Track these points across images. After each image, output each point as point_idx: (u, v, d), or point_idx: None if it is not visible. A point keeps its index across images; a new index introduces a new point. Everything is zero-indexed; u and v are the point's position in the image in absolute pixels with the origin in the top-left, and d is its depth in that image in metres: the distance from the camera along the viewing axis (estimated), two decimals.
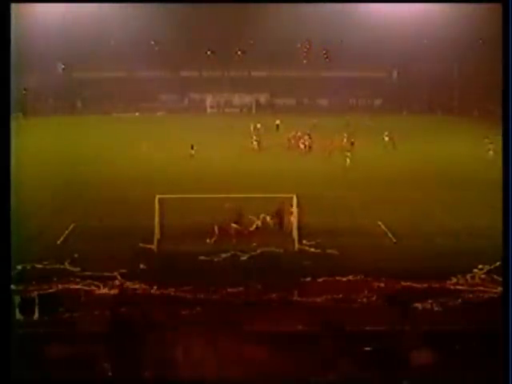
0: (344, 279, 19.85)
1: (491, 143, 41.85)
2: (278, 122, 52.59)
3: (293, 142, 45.48)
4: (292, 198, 23.64)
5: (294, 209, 23.53)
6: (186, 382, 13.71)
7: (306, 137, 44.98)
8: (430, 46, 70.84)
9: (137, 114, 72.15)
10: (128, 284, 19.52)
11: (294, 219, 23.97)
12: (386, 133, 44.79)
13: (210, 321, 15.87)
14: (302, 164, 39.59)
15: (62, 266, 20.96)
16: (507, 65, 12.78)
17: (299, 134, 46.38)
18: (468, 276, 20.06)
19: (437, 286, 19.18)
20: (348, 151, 39.40)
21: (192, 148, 41.75)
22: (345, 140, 44.44)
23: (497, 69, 15.91)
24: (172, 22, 71.14)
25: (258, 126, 52.05)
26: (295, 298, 18.56)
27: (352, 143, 43.49)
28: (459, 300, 18.33)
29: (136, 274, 20.31)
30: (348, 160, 38.27)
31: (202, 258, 21.84)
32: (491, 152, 39.88)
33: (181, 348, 14.82)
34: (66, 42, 69.82)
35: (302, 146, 43.82)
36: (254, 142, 45.89)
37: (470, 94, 70.82)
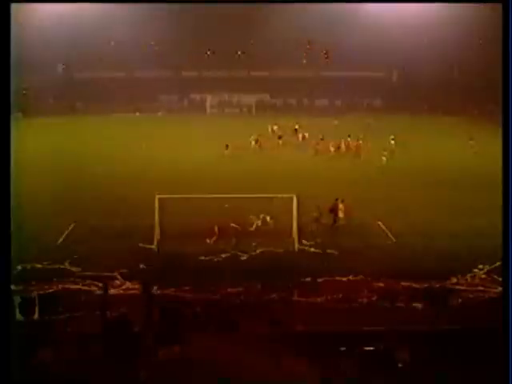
0: (344, 279, 19.88)
1: (472, 142, 43.46)
2: (296, 126, 50.95)
3: (320, 145, 44.48)
4: (292, 198, 23.63)
5: (295, 209, 23.53)
6: (185, 382, 13.73)
7: (339, 139, 44.14)
8: (429, 45, 70.79)
9: (137, 114, 72.12)
10: (128, 284, 19.55)
11: (342, 214, 25.27)
12: (392, 136, 44.27)
13: (209, 321, 15.91)
14: (339, 166, 39.35)
15: (61, 266, 20.99)
16: (507, 65, 12.78)
17: (317, 136, 45.90)
18: (468, 276, 20.10)
19: (437, 286, 19.20)
20: (384, 150, 39.20)
21: (227, 148, 41.84)
22: (360, 142, 43.99)
23: (497, 69, 15.91)
24: (172, 22, 71.10)
25: (275, 128, 51.56)
26: (295, 297, 18.59)
27: (358, 146, 43.24)
28: (459, 300, 18.35)
29: (136, 273, 20.34)
30: (384, 159, 38.17)
31: (201, 257, 21.87)
32: (476, 153, 41.15)
33: (181, 348, 14.84)
34: (66, 42, 69.72)
35: (332, 149, 42.93)
36: (279, 143, 46.23)
37: (469, 94, 70.76)
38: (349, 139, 44.66)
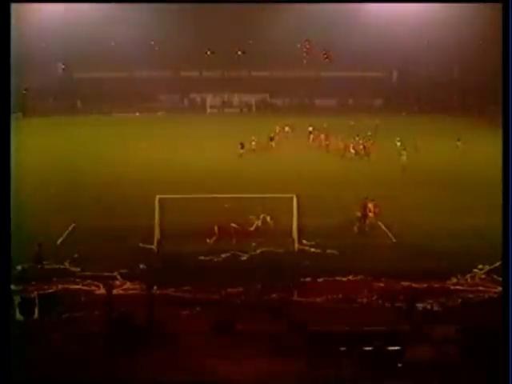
0: (344, 279, 19.88)
1: (459, 143, 43.21)
2: (310, 128, 49.22)
3: (342, 146, 43.63)
4: (292, 198, 23.62)
5: (295, 209, 23.51)
6: (185, 382, 13.73)
7: (361, 141, 43.68)
8: (429, 45, 70.77)
9: (137, 114, 72.11)
10: (128, 284, 19.56)
11: (371, 214, 25.00)
12: (398, 138, 43.85)
13: (209, 321, 15.91)
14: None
15: (61, 266, 20.99)
16: (507, 65, 12.80)
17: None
18: (468, 276, 20.09)
19: (437, 286, 19.21)
20: (404, 149, 39.13)
21: (242, 147, 42.09)
22: (371, 142, 43.81)
23: (497, 69, 15.91)
24: (172, 21, 71.04)
25: (286, 129, 50.50)
26: (295, 298, 18.59)
27: (364, 147, 42.82)
28: (459, 300, 18.36)
29: (136, 274, 20.34)
30: (404, 158, 38.13)
31: (201, 258, 21.86)
32: (462, 153, 40.94)
33: (181, 348, 14.85)
34: (66, 41, 69.68)
35: (352, 151, 42.27)
36: (272, 145, 45.44)
37: (469, 94, 70.76)
38: (357, 139, 44.22)
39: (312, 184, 32.83)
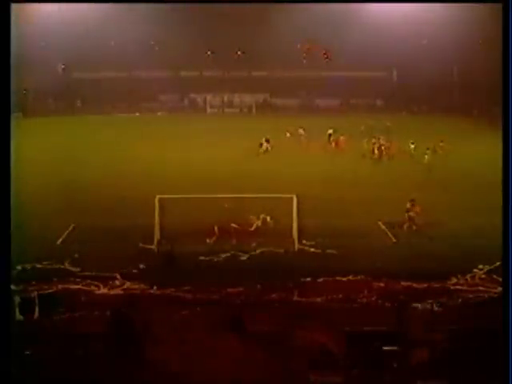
0: (344, 279, 19.89)
1: (443, 144, 42.18)
2: (330, 131, 46.83)
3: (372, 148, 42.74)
4: (292, 198, 23.63)
5: (295, 209, 23.52)
6: (185, 382, 13.73)
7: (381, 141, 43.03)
8: (429, 45, 70.75)
9: (137, 114, 72.08)
10: (128, 284, 19.57)
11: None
12: (412, 141, 42.86)
13: (209, 321, 15.91)
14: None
15: (62, 266, 21.00)
16: (507, 65, 12.80)
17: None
18: (468, 276, 20.10)
19: (437, 286, 19.22)
20: (428, 149, 38.97)
21: (260, 146, 42.17)
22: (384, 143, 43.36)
23: (497, 69, 15.91)
24: (172, 22, 71.03)
25: (301, 131, 48.34)
26: (295, 298, 18.60)
27: (380, 148, 42.29)
28: (459, 300, 18.37)
29: (136, 274, 20.34)
30: (427, 157, 37.97)
31: (201, 258, 21.87)
32: (445, 155, 40.16)
33: (180, 348, 14.85)
34: (66, 42, 69.67)
35: (376, 152, 41.67)
36: (267, 147, 43.64)
37: (469, 94, 70.71)
38: (375, 140, 43.47)
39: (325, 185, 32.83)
